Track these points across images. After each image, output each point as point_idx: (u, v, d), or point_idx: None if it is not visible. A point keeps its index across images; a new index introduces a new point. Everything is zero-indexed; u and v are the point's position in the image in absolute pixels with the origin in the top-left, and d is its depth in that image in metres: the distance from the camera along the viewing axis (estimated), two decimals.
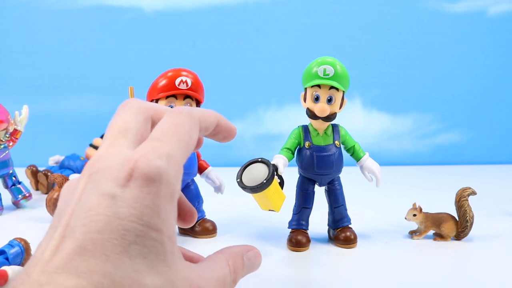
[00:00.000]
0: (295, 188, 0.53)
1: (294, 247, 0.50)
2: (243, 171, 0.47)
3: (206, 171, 0.57)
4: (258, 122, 1.19)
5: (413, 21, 1.19)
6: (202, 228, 0.55)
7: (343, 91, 0.50)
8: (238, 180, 0.46)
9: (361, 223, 0.59)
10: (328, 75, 0.48)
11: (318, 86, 0.49)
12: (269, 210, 0.48)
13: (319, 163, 0.51)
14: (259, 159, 0.47)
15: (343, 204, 0.54)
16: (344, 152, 0.53)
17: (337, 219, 0.53)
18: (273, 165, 0.48)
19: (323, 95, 0.49)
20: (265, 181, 0.44)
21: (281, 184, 0.49)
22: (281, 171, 0.49)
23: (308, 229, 0.53)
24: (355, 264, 0.47)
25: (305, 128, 0.52)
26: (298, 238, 0.51)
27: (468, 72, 1.21)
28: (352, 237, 0.52)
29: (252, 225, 0.61)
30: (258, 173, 0.46)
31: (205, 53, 1.16)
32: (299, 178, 0.53)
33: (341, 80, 0.49)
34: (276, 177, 0.47)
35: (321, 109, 0.48)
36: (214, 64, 1.15)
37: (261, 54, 1.16)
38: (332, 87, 0.49)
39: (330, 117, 0.50)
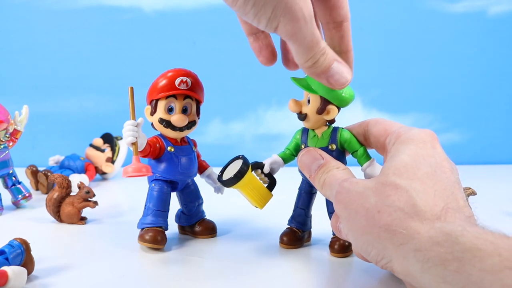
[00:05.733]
0: (296, 189, 0.53)
1: (284, 245, 0.51)
2: (227, 167, 0.49)
3: (206, 171, 0.57)
4: (258, 122, 1.19)
5: (413, 21, 1.19)
6: (202, 228, 0.55)
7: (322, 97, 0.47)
8: (219, 174, 0.48)
9: None
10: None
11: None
12: (255, 206, 0.49)
13: None
14: (240, 156, 0.48)
15: None
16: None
17: None
18: (258, 163, 0.49)
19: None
20: (233, 176, 0.45)
21: (272, 184, 0.49)
22: (266, 169, 0.49)
23: (304, 229, 0.52)
24: (355, 264, 0.47)
25: (305, 130, 0.52)
26: (288, 237, 0.51)
27: (468, 72, 1.21)
28: (347, 244, 0.49)
29: (252, 225, 0.61)
30: (234, 168, 0.47)
31: (205, 53, 1.16)
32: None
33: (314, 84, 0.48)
34: (255, 174, 0.48)
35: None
36: (214, 64, 1.15)
37: None
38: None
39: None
